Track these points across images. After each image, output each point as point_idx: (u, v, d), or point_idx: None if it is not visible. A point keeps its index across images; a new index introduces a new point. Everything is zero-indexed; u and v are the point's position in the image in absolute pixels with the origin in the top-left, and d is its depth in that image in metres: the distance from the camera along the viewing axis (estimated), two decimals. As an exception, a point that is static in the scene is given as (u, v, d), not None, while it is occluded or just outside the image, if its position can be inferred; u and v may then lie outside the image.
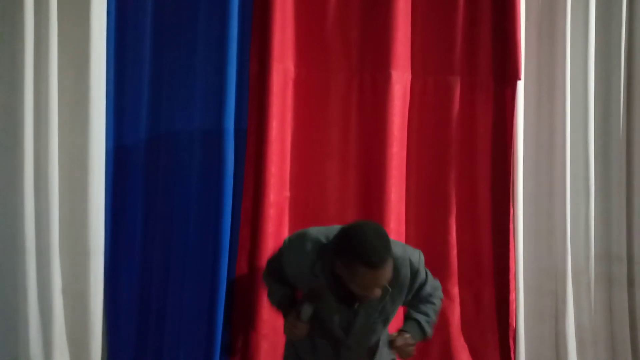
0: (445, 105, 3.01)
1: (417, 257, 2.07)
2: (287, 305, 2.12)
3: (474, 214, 3.04)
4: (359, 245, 1.84)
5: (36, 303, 2.65)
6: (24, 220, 2.61)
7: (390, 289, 1.97)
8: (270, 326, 2.79)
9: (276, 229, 2.82)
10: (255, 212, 2.81)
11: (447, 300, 2.96)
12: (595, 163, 3.16)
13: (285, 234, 2.86)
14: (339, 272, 1.91)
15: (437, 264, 2.95)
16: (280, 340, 2.80)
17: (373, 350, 2.17)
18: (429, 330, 2.15)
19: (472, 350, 2.99)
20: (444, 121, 3.01)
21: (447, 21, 3.00)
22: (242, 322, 2.82)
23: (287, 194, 2.88)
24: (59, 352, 2.66)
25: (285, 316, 2.11)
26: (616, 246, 3.20)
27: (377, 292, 1.89)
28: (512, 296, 3.01)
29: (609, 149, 3.23)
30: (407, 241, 2.90)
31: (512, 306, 3.01)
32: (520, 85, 3.03)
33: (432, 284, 2.18)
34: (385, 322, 2.14)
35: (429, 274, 2.17)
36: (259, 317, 2.77)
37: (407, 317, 2.17)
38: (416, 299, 2.15)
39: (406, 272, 2.02)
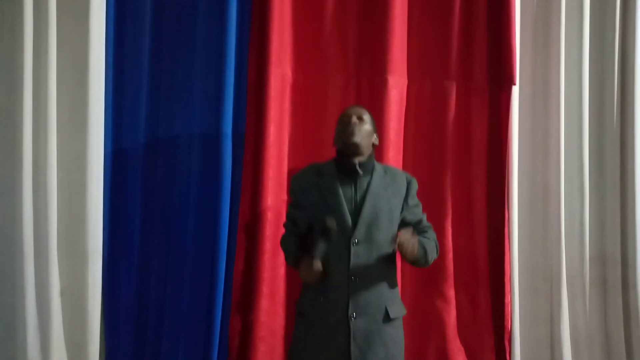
0: (441, 109, 3.04)
1: (409, 174, 2.44)
2: (301, 254, 2.23)
3: (469, 217, 3.06)
4: None
5: (34, 305, 2.66)
6: (23, 223, 2.63)
7: (390, 183, 2.29)
8: (268, 329, 2.80)
9: (273, 232, 2.83)
10: (253, 216, 2.83)
11: (443, 302, 2.98)
12: (589, 167, 3.19)
13: (283, 236, 2.87)
14: (335, 145, 2.33)
15: (433, 267, 2.95)
16: (278, 342, 2.83)
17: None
18: (430, 253, 2.31)
19: (468, 353, 3.00)
20: (440, 125, 3.04)
21: (443, 27, 3.03)
22: (240, 325, 2.83)
23: (285, 197, 2.89)
24: (57, 355, 2.67)
25: (301, 264, 2.20)
26: (610, 249, 3.23)
27: (355, 122, 2.28)
28: (507, 299, 3.02)
29: (602, 153, 3.25)
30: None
31: (508, 309, 3.02)
32: (515, 90, 3.05)
33: (424, 216, 2.43)
34: (390, 217, 2.25)
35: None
36: (256, 319, 2.78)
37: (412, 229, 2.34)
38: (412, 220, 2.35)
39: (401, 176, 2.38)
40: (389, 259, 2.27)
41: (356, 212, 2.22)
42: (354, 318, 2.18)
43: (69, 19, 2.70)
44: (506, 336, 3.02)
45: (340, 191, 2.25)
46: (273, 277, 2.84)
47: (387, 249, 2.25)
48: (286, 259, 2.43)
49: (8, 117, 2.65)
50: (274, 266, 2.84)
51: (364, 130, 2.29)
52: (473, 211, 3.05)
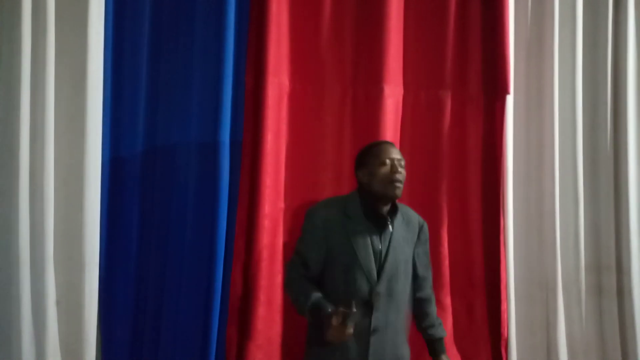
0: (437, 118, 3.06)
1: (421, 218, 2.42)
2: (323, 308, 2.11)
3: (465, 225, 3.08)
4: (369, 144, 2.38)
5: (30, 315, 2.63)
6: (19, 231, 2.60)
7: (405, 228, 2.27)
8: (265, 336, 2.80)
9: (271, 241, 2.84)
10: (250, 224, 2.83)
11: (440, 310, 2.97)
12: (583, 174, 3.22)
13: (280, 245, 2.88)
14: (363, 179, 2.24)
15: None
16: (275, 350, 2.82)
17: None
18: (445, 332, 2.50)
19: (465, 360, 3.01)
20: (435, 134, 3.06)
21: (438, 37, 3.07)
22: (237, 333, 2.82)
23: (282, 205, 2.90)
24: (52, 364, 2.65)
25: (322, 319, 2.08)
26: (605, 256, 3.25)
27: (400, 169, 2.20)
28: (503, 306, 3.03)
29: (596, 161, 3.29)
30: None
31: (504, 316, 3.03)
32: (510, 99, 3.09)
33: (430, 267, 2.47)
34: (406, 269, 2.24)
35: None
36: (253, 327, 2.77)
37: (431, 341, 2.47)
38: (418, 270, 2.35)
39: (415, 221, 2.35)
40: (406, 308, 2.29)
41: (380, 265, 2.18)
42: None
43: (67, 27, 2.70)
44: (502, 344, 3.03)
45: (368, 240, 2.18)
46: (270, 285, 2.84)
47: (404, 298, 2.25)
48: (295, 305, 2.29)
49: (5, 125, 2.64)
50: (271, 274, 2.84)
51: (403, 176, 2.22)
52: (469, 219, 3.07)
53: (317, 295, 2.19)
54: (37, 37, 2.64)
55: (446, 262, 3.01)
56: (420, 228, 2.33)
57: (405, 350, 2.29)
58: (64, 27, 2.70)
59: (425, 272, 2.39)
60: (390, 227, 2.21)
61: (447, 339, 2.99)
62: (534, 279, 3.17)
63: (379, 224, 2.20)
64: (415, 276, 2.35)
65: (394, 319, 2.21)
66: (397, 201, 2.37)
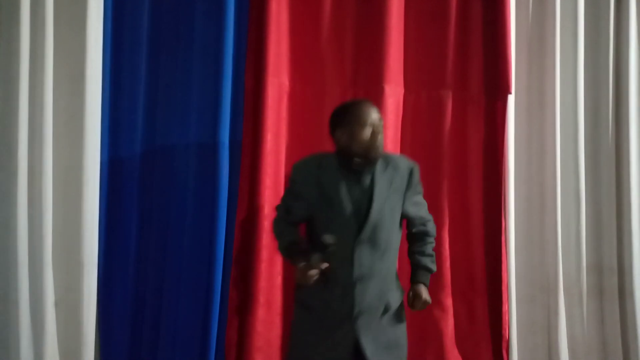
0: (438, 118, 3.06)
1: (411, 161, 2.35)
2: (296, 253, 2.18)
3: (466, 226, 3.07)
4: (344, 103, 2.33)
5: (28, 316, 2.62)
6: (17, 232, 2.60)
7: (393, 176, 2.22)
8: (265, 339, 2.79)
9: (270, 242, 2.81)
10: (250, 225, 2.82)
11: (441, 311, 2.98)
12: (585, 175, 3.21)
13: (280, 245, 2.86)
14: (340, 141, 2.19)
15: (431, 276, 2.97)
16: (275, 352, 2.81)
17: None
18: (434, 267, 2.37)
19: (466, 361, 3.00)
20: (436, 134, 3.05)
21: (439, 36, 3.06)
22: (236, 335, 2.81)
23: (282, 206, 2.89)
24: (51, 366, 2.64)
25: (295, 263, 2.15)
26: (607, 257, 3.25)
27: (379, 133, 2.16)
28: (504, 307, 3.03)
29: (598, 162, 3.28)
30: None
31: (505, 317, 3.03)
32: (511, 98, 3.08)
33: (425, 203, 2.39)
34: (393, 216, 2.21)
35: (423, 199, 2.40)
36: (253, 329, 2.76)
37: (415, 266, 2.34)
38: (413, 210, 2.30)
39: (403, 165, 2.28)
40: (392, 256, 2.26)
41: (361, 214, 2.16)
42: (359, 316, 2.17)
43: (66, 27, 2.69)
44: (504, 345, 3.03)
45: (345, 191, 2.17)
46: (270, 287, 2.83)
47: (390, 246, 2.23)
48: (279, 247, 2.34)
49: (3, 126, 2.63)
50: (270, 275, 2.83)
51: (380, 136, 2.20)
52: (470, 220, 3.06)
53: (291, 238, 2.25)
54: (36, 37, 2.63)
55: (447, 263, 3.00)
56: (410, 172, 2.28)
57: (395, 295, 2.26)
58: (63, 27, 2.69)
59: (418, 211, 2.33)
60: (369, 176, 2.19)
61: (449, 340, 2.99)
62: (535, 280, 3.17)
63: (355, 176, 2.19)
64: (408, 218, 2.32)
65: (378, 267, 2.19)
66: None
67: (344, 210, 2.17)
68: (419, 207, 2.34)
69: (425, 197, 2.96)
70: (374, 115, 2.19)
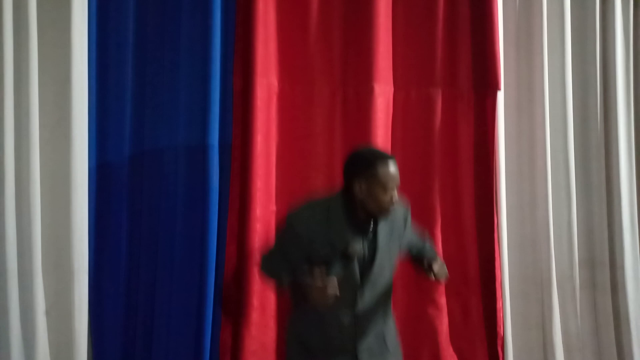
0: (428, 116, 3.05)
1: (404, 202, 2.30)
2: (307, 273, 2.05)
3: (458, 224, 3.07)
4: (370, 153, 2.17)
5: (19, 325, 2.60)
6: (6, 240, 2.57)
7: (392, 223, 2.18)
8: (259, 342, 2.78)
9: (263, 244, 2.80)
10: (242, 227, 2.80)
11: (435, 310, 2.98)
12: (575, 170, 3.23)
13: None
14: (358, 193, 2.08)
15: (424, 274, 2.97)
16: (269, 355, 2.79)
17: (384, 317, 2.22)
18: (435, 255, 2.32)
19: (462, 359, 2.99)
20: (426, 132, 3.05)
21: (428, 34, 3.05)
22: (230, 339, 2.79)
23: (274, 208, 2.87)
24: (43, 375, 2.60)
25: (308, 282, 2.02)
26: (599, 252, 3.27)
27: (396, 194, 2.10)
28: (498, 304, 3.03)
29: (588, 156, 3.30)
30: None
31: (499, 314, 3.04)
32: (500, 95, 3.08)
33: (419, 231, 2.41)
34: (391, 264, 2.20)
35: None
36: (247, 333, 2.75)
37: (420, 251, 2.31)
38: (417, 241, 2.34)
39: (400, 214, 2.24)
40: (389, 296, 2.26)
41: (365, 264, 2.13)
42: (360, 351, 2.16)
43: (50, 30, 2.65)
44: (499, 342, 3.03)
45: (352, 245, 2.12)
46: (263, 290, 2.81)
47: (388, 289, 2.24)
48: (276, 277, 2.21)
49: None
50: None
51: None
52: (462, 217, 3.06)
53: (292, 267, 2.14)
54: (19, 41, 2.59)
55: (440, 262, 2.99)
56: (405, 218, 2.27)
57: (393, 333, 2.28)
58: (47, 30, 2.65)
59: (419, 243, 2.35)
60: (372, 230, 2.15)
61: (444, 338, 2.99)
62: (529, 276, 3.18)
63: (363, 229, 2.13)
64: (408, 250, 2.32)
65: (377, 309, 2.20)
66: None
67: (352, 268, 2.12)
68: (418, 240, 2.36)
69: (417, 195, 2.99)
70: (397, 178, 2.10)
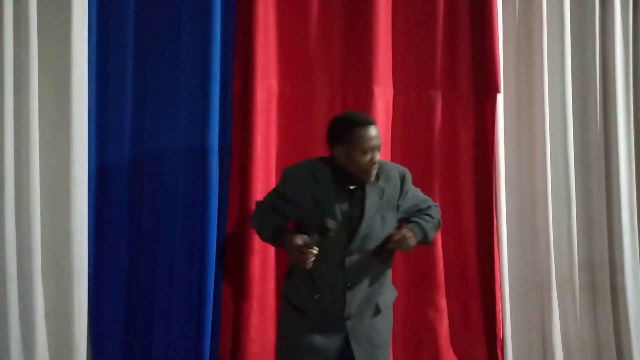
0: (428, 119, 3.05)
1: (402, 167, 2.34)
2: (285, 234, 2.18)
3: (459, 226, 3.08)
4: (348, 117, 2.27)
5: (18, 328, 2.59)
6: (5, 243, 2.56)
7: (384, 188, 2.21)
8: (259, 345, 2.77)
9: (262, 247, 2.80)
10: (241, 230, 2.80)
11: (435, 312, 2.98)
12: (575, 173, 3.23)
13: (272, 251, 2.85)
14: (338, 157, 2.16)
15: (424, 277, 2.98)
16: (269, 357, 2.79)
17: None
18: (430, 232, 2.31)
19: (462, 362, 3.00)
20: (426, 135, 3.05)
21: (427, 37, 3.06)
22: (230, 342, 2.79)
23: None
24: (42, 379, 2.60)
25: (286, 243, 2.14)
26: (598, 254, 3.27)
27: (377, 156, 2.14)
28: (498, 307, 3.03)
29: (588, 159, 3.30)
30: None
31: (499, 317, 3.04)
32: (500, 97, 3.08)
33: (425, 198, 2.39)
34: (384, 225, 2.22)
35: (422, 193, 2.40)
36: (247, 335, 2.75)
37: (408, 221, 2.30)
38: (411, 210, 2.32)
39: (395, 174, 2.28)
40: (382, 259, 2.27)
41: (351, 226, 2.19)
42: (349, 319, 2.21)
43: (51, 34, 2.65)
44: (498, 344, 3.03)
45: (337, 204, 2.19)
46: (262, 292, 2.81)
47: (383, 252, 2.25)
48: (262, 235, 2.31)
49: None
50: (263, 281, 2.81)
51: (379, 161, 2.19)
52: (462, 220, 3.07)
53: (278, 222, 2.24)
54: (20, 44, 2.59)
55: (440, 264, 3.00)
56: (402, 179, 2.28)
57: (386, 298, 2.30)
58: (47, 34, 2.65)
59: (416, 208, 2.33)
60: (360, 190, 2.20)
61: (444, 340, 2.99)
62: (528, 278, 3.18)
63: (349, 190, 2.20)
64: (408, 218, 2.33)
65: (367, 274, 2.24)
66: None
67: (337, 223, 2.16)
68: (416, 206, 2.34)
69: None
70: (375, 141, 2.16)
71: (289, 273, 2.33)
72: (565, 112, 3.22)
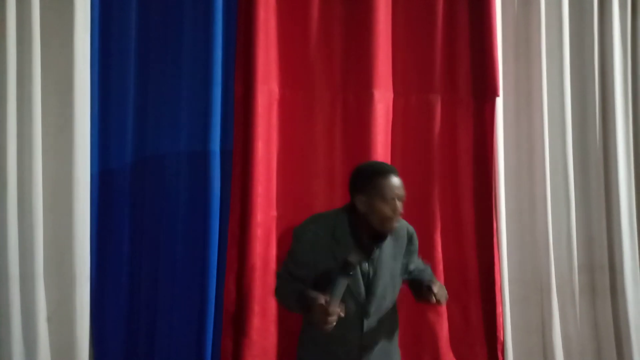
0: (427, 122, 3.06)
1: (411, 226, 2.32)
2: (307, 297, 2.04)
3: (458, 229, 3.08)
4: (370, 167, 2.23)
5: (20, 332, 2.59)
6: (8, 247, 2.57)
7: (394, 246, 2.19)
8: (260, 347, 2.78)
9: (264, 249, 2.82)
10: (243, 233, 2.80)
11: (435, 315, 2.99)
12: (574, 175, 3.24)
13: (273, 254, 2.86)
14: (360, 207, 2.11)
15: (423, 297, 2.97)
16: (270, 359, 2.79)
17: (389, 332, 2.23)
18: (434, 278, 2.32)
19: (462, 365, 3.01)
20: (426, 138, 3.06)
21: (427, 41, 3.07)
22: (232, 345, 2.79)
23: (274, 213, 2.88)
24: (44, 383, 2.60)
25: (310, 307, 2.00)
26: (598, 256, 3.28)
27: (399, 206, 2.11)
28: (498, 309, 3.04)
29: (587, 161, 3.31)
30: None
31: (499, 319, 3.04)
32: (499, 101, 3.10)
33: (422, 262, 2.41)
34: (393, 283, 2.21)
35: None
36: (248, 338, 2.75)
37: (419, 275, 2.32)
38: (415, 271, 2.33)
39: (403, 233, 2.26)
40: (393, 318, 2.29)
41: (368, 286, 2.15)
42: None
43: (53, 39, 2.66)
44: (499, 347, 3.04)
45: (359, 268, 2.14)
46: (264, 295, 2.81)
47: (391, 313, 2.26)
48: (288, 305, 2.20)
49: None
50: (264, 284, 2.82)
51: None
52: (462, 223, 3.07)
53: (302, 288, 2.13)
54: (23, 49, 2.60)
55: (440, 267, 3.01)
56: (410, 238, 2.26)
57: (396, 357, 2.31)
58: (50, 39, 2.66)
59: (420, 266, 2.37)
60: (378, 250, 2.17)
61: (444, 343, 2.99)
62: (528, 280, 3.18)
63: (368, 247, 2.14)
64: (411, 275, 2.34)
65: (382, 336, 2.23)
66: None
67: (354, 284, 2.12)
68: (417, 266, 2.36)
69: (417, 200, 3.01)
70: (398, 190, 2.11)
71: (302, 335, 2.28)
72: (564, 115, 3.23)
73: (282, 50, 2.92)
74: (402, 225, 2.26)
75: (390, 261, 2.18)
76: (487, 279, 3.05)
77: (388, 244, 2.18)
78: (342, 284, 1.99)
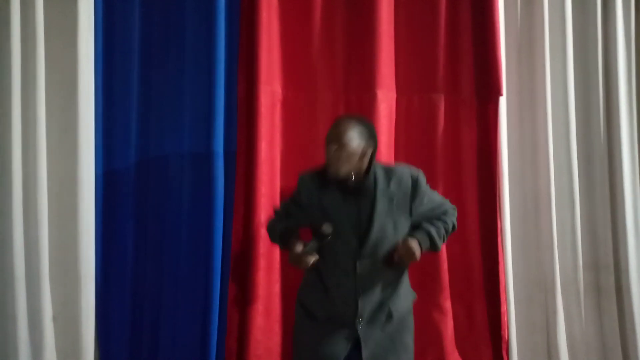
0: (431, 122, 3.06)
1: (415, 170, 2.33)
2: (289, 237, 2.25)
3: (463, 228, 3.05)
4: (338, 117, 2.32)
5: (26, 332, 2.62)
6: (13, 248, 2.60)
7: (395, 192, 2.22)
8: (264, 347, 2.79)
9: (267, 249, 2.82)
10: (246, 233, 2.82)
11: (440, 314, 2.98)
12: (578, 174, 3.22)
13: (277, 254, 2.86)
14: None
15: (429, 279, 2.98)
16: (275, 359, 2.80)
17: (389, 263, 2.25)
18: (437, 240, 2.29)
19: (467, 364, 3.00)
20: (429, 138, 3.06)
21: (430, 41, 3.07)
22: (236, 344, 2.80)
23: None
24: (50, 382, 2.62)
25: (289, 248, 2.22)
26: (603, 255, 3.26)
27: (340, 151, 2.18)
28: (503, 308, 3.03)
29: (591, 160, 3.30)
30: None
31: (504, 318, 3.03)
32: (503, 100, 3.09)
33: (442, 202, 2.39)
34: (397, 229, 2.23)
35: (439, 195, 2.43)
36: (252, 337, 2.76)
37: (416, 227, 2.30)
38: (426, 214, 2.32)
39: (407, 178, 2.27)
40: (390, 266, 2.27)
41: (362, 233, 2.20)
42: (361, 324, 2.22)
43: (57, 40, 2.69)
44: (503, 346, 3.03)
45: (345, 211, 2.20)
46: (268, 295, 2.83)
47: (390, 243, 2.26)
48: (273, 239, 2.42)
49: (-3, 141, 2.63)
50: (268, 283, 2.83)
51: (344, 157, 2.18)
52: (466, 223, 3.06)
53: (286, 225, 2.31)
54: (27, 50, 2.63)
55: (445, 266, 3.01)
56: (415, 182, 2.26)
57: (400, 303, 2.30)
58: (54, 41, 2.69)
59: (431, 212, 2.32)
60: (370, 194, 2.21)
61: (449, 342, 2.99)
62: (533, 280, 3.17)
63: (355, 193, 2.21)
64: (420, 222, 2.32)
65: (380, 279, 2.25)
66: (390, 162, 2.42)
67: (344, 229, 2.20)
68: (432, 210, 2.34)
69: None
70: (334, 136, 2.21)
71: (303, 281, 2.36)
72: (567, 114, 3.22)
73: (285, 51, 2.93)
74: (404, 170, 2.30)
75: (386, 209, 2.21)
76: (491, 278, 3.05)
77: (386, 190, 2.22)
78: (315, 244, 2.16)
